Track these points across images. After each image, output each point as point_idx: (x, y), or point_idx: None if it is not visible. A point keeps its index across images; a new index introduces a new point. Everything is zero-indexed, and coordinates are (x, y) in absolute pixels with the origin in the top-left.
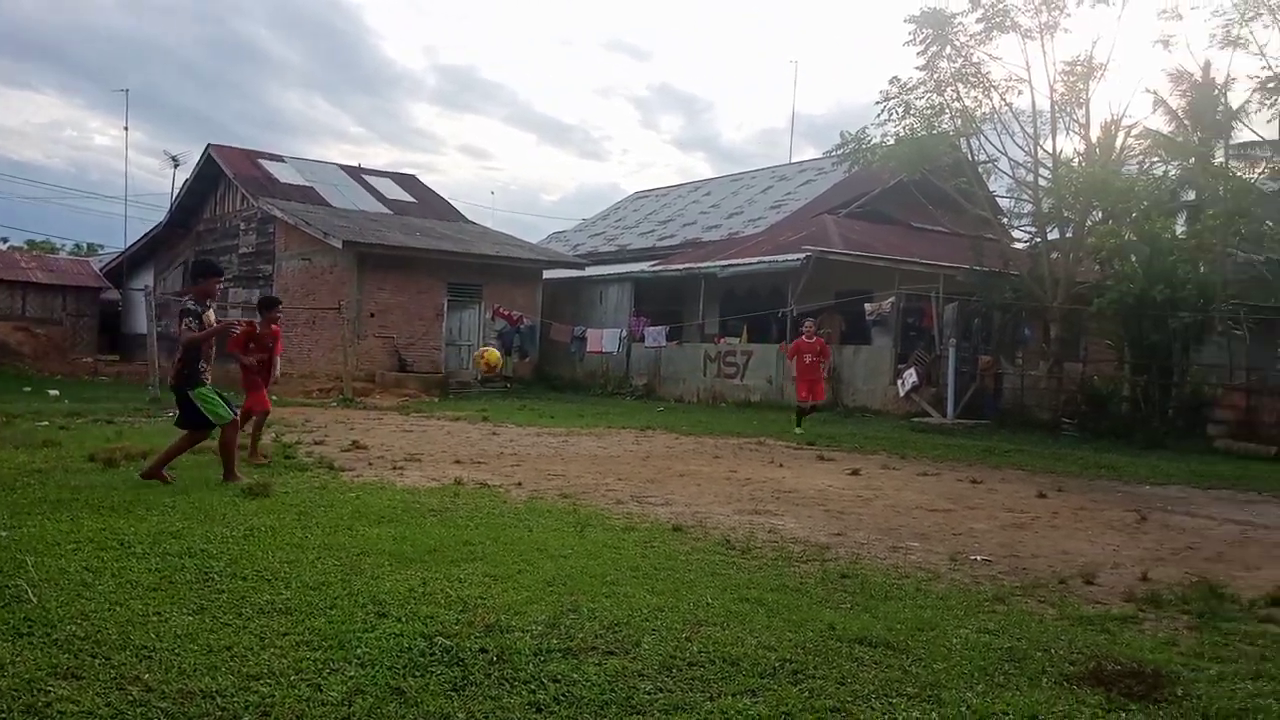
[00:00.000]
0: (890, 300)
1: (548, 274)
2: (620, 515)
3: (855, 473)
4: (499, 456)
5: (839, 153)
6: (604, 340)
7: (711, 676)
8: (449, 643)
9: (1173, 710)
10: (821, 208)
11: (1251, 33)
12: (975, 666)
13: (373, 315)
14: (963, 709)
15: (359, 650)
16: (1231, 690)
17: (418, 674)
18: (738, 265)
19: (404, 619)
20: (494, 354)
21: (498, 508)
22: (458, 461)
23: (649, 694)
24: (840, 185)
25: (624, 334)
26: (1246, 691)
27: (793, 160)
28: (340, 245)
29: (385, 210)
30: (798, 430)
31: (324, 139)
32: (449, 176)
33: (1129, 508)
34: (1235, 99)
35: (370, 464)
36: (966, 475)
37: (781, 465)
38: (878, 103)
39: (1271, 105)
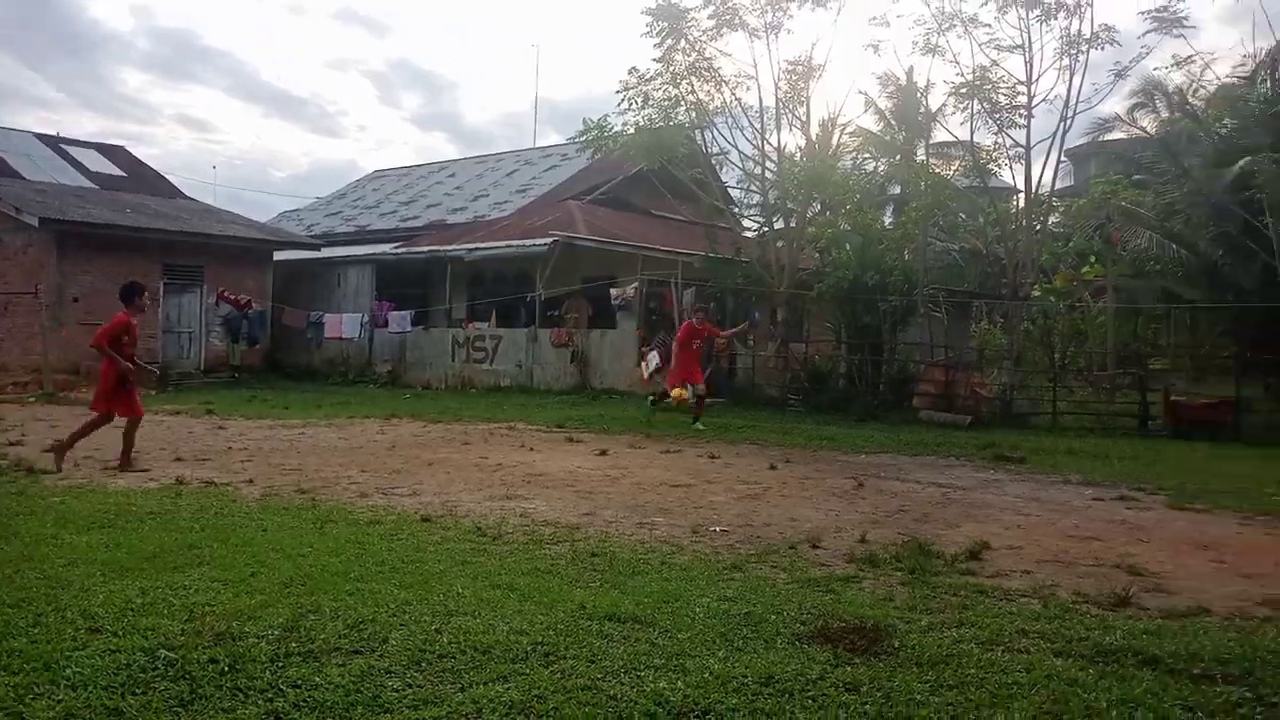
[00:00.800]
0: (634, 285)
1: (280, 255)
2: (364, 508)
3: (603, 453)
4: (227, 452)
5: (582, 140)
6: (344, 325)
7: (463, 667)
8: (174, 655)
9: (891, 661)
10: (566, 193)
11: (947, 42)
12: (717, 633)
13: (76, 300)
14: (706, 675)
15: (69, 671)
16: (939, 638)
17: (138, 691)
18: (485, 249)
19: (121, 633)
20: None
21: (226, 507)
22: (179, 459)
23: (397, 691)
24: (584, 172)
25: (366, 319)
26: (952, 638)
27: (537, 145)
28: (36, 223)
29: (89, 184)
30: (698, 426)
31: (15, 104)
32: (165, 149)
33: (848, 475)
34: (934, 101)
35: (77, 465)
36: (705, 451)
37: (532, 449)
38: (618, 92)
39: (964, 109)
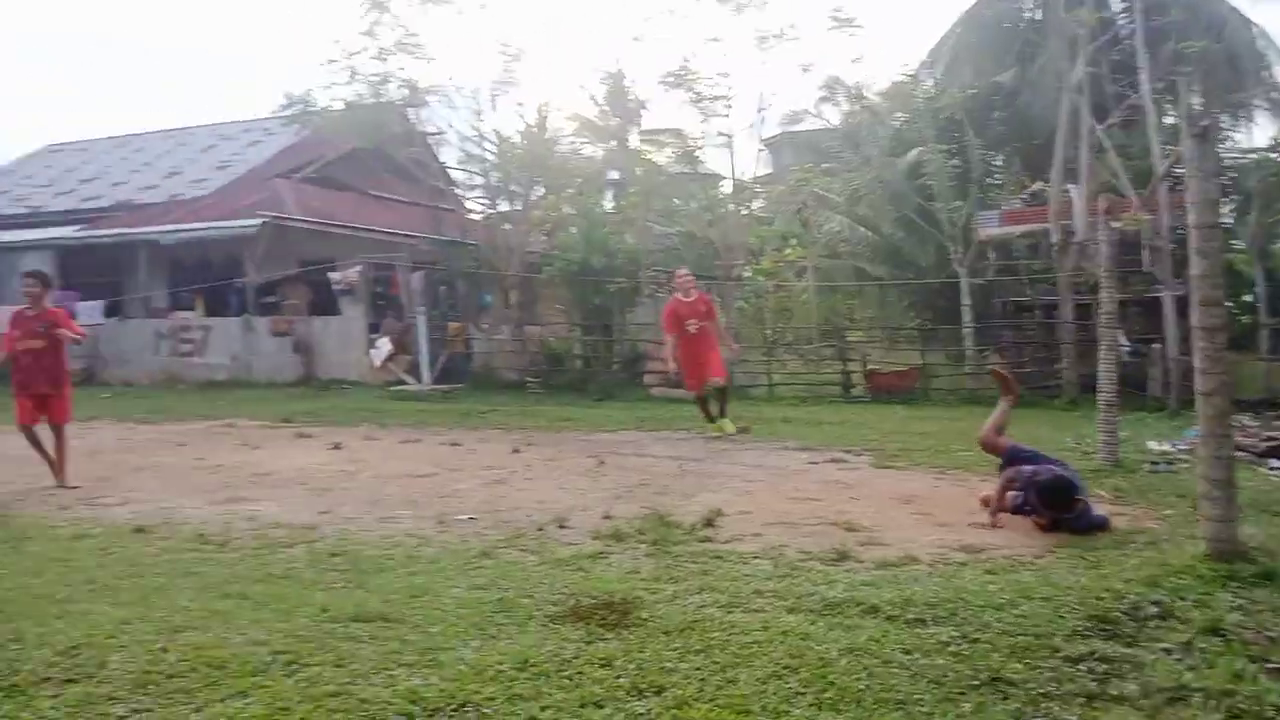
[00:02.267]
0: (358, 269)
1: None
2: (67, 521)
3: (337, 447)
4: None
5: (285, 114)
6: None
7: (195, 685)
8: None
9: (640, 632)
10: (273, 171)
11: (653, 31)
12: (470, 623)
13: None
14: (461, 667)
15: None
16: (684, 606)
17: None
18: (185, 231)
19: None
20: None
21: None
22: None
23: (123, 717)
24: (291, 149)
25: None
26: (695, 604)
27: (235, 119)
28: None
29: None
30: (715, 427)
31: None
32: None
33: (590, 454)
34: (644, 89)
35: None
36: (447, 439)
37: (256, 447)
38: (322, 65)
39: (672, 97)
